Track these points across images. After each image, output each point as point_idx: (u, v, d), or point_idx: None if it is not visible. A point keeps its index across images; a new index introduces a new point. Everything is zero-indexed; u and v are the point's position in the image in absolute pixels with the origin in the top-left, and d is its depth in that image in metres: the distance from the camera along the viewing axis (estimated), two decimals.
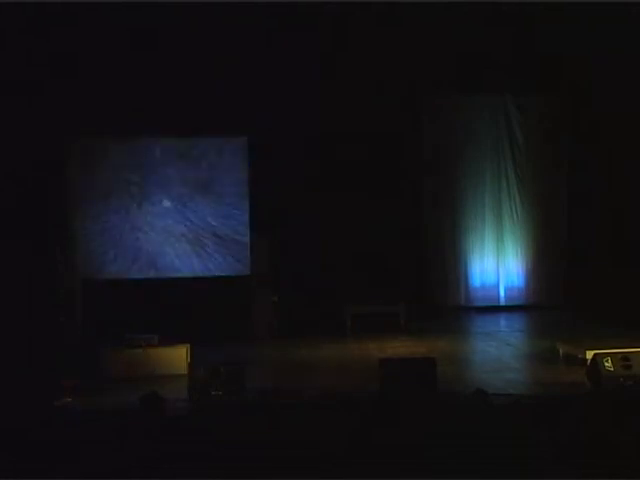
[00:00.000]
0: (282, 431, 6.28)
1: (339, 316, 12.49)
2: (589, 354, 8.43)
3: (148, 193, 12.77)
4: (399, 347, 11.13)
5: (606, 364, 7.86)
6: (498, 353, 10.82)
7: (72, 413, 7.73)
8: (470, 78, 12.88)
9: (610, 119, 12.62)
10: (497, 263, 13.76)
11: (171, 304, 11.99)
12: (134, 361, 9.17)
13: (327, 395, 8.08)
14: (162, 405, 6.72)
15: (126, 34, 11.70)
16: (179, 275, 12.74)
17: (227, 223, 12.84)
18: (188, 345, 9.51)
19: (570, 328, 11.54)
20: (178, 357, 9.30)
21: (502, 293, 13.71)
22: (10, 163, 12.00)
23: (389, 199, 13.09)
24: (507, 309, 12.92)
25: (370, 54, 12.34)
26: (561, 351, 9.66)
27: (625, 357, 7.95)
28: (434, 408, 7.08)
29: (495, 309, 12.98)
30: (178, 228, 12.82)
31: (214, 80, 12.32)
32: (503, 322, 12.54)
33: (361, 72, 12.49)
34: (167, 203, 12.81)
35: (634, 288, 11.60)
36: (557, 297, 13.46)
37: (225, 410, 7.47)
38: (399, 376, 7.59)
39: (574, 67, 12.69)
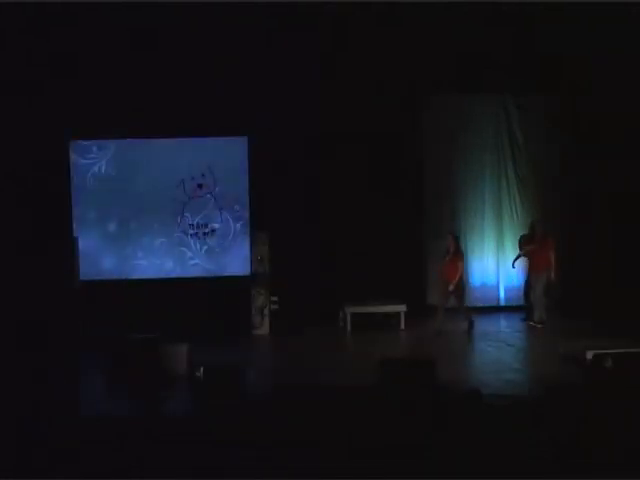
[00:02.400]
0: (282, 431, 6.28)
1: (339, 316, 12.50)
2: (589, 354, 8.44)
3: (147, 192, 12.78)
4: (399, 347, 11.13)
5: (606, 364, 7.86)
6: (498, 353, 10.82)
7: (73, 413, 7.73)
8: (470, 78, 12.87)
9: (610, 119, 12.61)
10: (497, 263, 13.75)
11: (171, 304, 11.99)
12: (135, 362, 9.16)
13: (327, 395, 8.07)
14: (165, 406, 6.72)
15: (126, 34, 11.70)
16: (179, 275, 12.74)
17: (227, 223, 12.85)
18: (188, 345, 9.50)
19: (570, 328, 11.54)
20: (178, 357, 9.29)
21: (502, 293, 13.70)
22: (11, 163, 12.02)
23: (389, 199, 13.08)
24: (507, 309, 12.92)
25: (370, 54, 12.34)
26: (561, 351, 9.66)
27: (625, 357, 7.96)
28: (433, 408, 7.08)
29: (495, 309, 12.98)
30: (179, 228, 12.82)
31: (214, 80, 12.33)
32: (503, 322, 12.53)
33: (361, 72, 12.48)
34: (167, 203, 12.81)
35: (633, 288, 11.60)
36: (557, 297, 13.44)
37: (225, 410, 7.47)
38: (399, 376, 7.59)
39: (574, 67, 12.68)
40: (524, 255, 12.32)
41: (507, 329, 12.02)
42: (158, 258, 12.77)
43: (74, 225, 12.59)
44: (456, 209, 13.78)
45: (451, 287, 11.71)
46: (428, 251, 13.61)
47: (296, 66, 12.38)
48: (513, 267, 12.64)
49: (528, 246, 12.12)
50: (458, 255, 11.91)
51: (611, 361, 7.87)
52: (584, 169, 13.32)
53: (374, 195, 12.96)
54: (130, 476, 5.38)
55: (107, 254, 12.71)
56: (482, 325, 12.10)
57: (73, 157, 12.65)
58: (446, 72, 12.77)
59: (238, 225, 12.86)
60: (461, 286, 11.88)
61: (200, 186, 12.84)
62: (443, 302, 11.93)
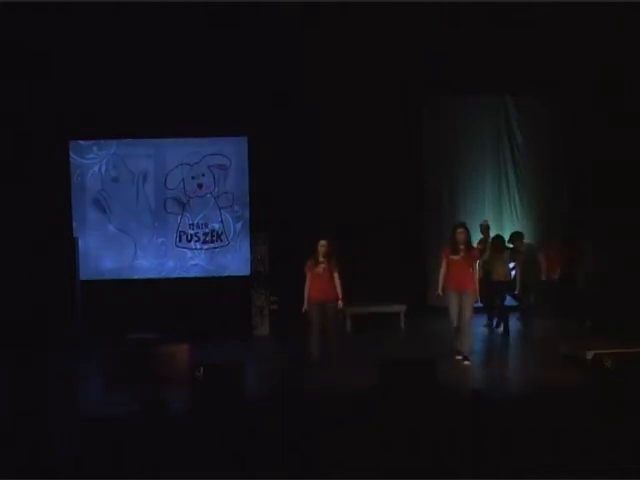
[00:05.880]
0: (281, 431, 6.28)
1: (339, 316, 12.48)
2: (589, 354, 8.44)
3: (147, 192, 12.79)
4: (399, 347, 11.13)
5: (606, 364, 7.86)
6: (498, 353, 10.83)
7: (73, 413, 7.73)
8: (470, 78, 12.87)
9: (610, 119, 12.61)
10: None
11: (171, 304, 11.99)
12: (135, 362, 9.16)
13: (327, 395, 8.08)
14: (165, 406, 6.72)
15: (127, 34, 11.68)
16: (179, 275, 12.74)
17: (227, 223, 12.85)
18: (188, 345, 9.50)
19: (570, 328, 11.54)
20: (178, 357, 9.29)
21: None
22: (11, 163, 12.02)
23: (389, 199, 13.09)
24: (507, 309, 12.86)
25: (370, 54, 12.33)
26: (561, 351, 9.66)
27: (625, 357, 7.96)
28: (434, 408, 7.08)
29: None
30: (179, 229, 12.82)
31: (215, 80, 12.32)
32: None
33: (361, 72, 12.48)
34: (167, 203, 12.82)
35: (633, 288, 11.58)
36: (557, 297, 13.43)
37: (225, 410, 7.47)
38: (399, 377, 7.59)
39: (574, 67, 12.67)
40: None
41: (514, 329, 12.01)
42: (158, 258, 12.78)
43: (74, 225, 12.60)
44: (456, 209, 13.78)
45: (340, 304, 9.77)
46: (428, 251, 13.64)
47: (296, 66, 12.38)
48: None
49: (454, 255, 9.65)
50: (334, 266, 9.78)
51: (611, 361, 7.87)
52: (584, 169, 13.33)
53: (373, 195, 12.96)
54: (130, 476, 5.37)
55: (107, 254, 12.71)
56: (482, 325, 12.09)
57: (74, 157, 12.66)
58: (446, 72, 12.77)
59: (238, 225, 12.87)
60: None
61: (200, 186, 12.84)
62: (335, 329, 9.92)
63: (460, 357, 9.55)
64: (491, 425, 6.05)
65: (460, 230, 9.64)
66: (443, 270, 9.70)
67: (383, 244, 12.93)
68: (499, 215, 13.81)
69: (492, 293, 11.67)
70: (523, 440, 5.82)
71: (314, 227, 12.59)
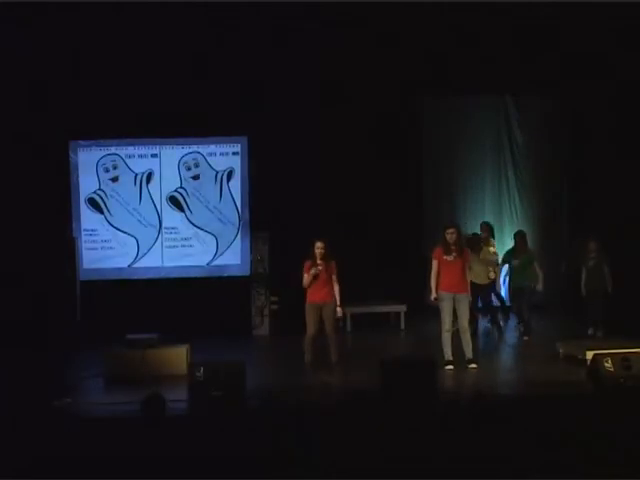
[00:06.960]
0: (281, 431, 6.28)
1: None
2: (589, 354, 8.44)
3: (147, 192, 12.79)
4: (399, 347, 11.13)
5: (606, 364, 7.86)
6: (498, 353, 10.83)
7: (72, 413, 7.73)
8: (470, 78, 12.86)
9: (610, 119, 12.61)
10: (497, 263, 13.73)
11: (171, 304, 11.99)
12: (134, 362, 9.16)
13: (327, 395, 8.08)
14: (164, 406, 6.72)
15: (127, 34, 11.67)
16: (179, 275, 12.74)
17: (227, 223, 12.84)
18: (188, 345, 9.51)
19: (570, 328, 11.54)
20: (178, 357, 9.30)
21: (502, 293, 13.67)
22: (11, 163, 12.01)
23: (389, 199, 13.08)
24: (507, 309, 12.89)
25: (370, 54, 12.33)
26: (561, 351, 9.66)
27: (625, 358, 7.96)
28: (434, 409, 7.08)
29: (495, 309, 12.95)
30: (179, 229, 12.82)
31: (215, 80, 12.32)
32: (503, 322, 12.49)
33: (361, 72, 12.47)
34: (167, 204, 12.82)
35: (632, 288, 11.59)
36: (557, 297, 13.44)
37: (225, 410, 7.47)
38: (399, 377, 7.59)
39: (574, 67, 12.67)
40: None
41: (507, 329, 12.01)
42: (158, 258, 12.77)
43: (73, 225, 12.60)
44: (456, 210, 13.78)
45: (339, 311, 9.63)
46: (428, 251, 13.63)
47: (296, 66, 12.37)
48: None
49: (447, 256, 9.35)
50: (332, 268, 9.58)
51: (611, 361, 7.87)
52: (584, 169, 13.33)
53: (374, 195, 12.96)
54: (130, 476, 5.37)
55: (107, 254, 12.70)
56: (482, 325, 12.09)
57: (73, 157, 12.66)
58: (446, 72, 12.77)
59: (238, 225, 12.86)
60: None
61: (199, 185, 12.84)
62: (335, 330, 9.65)
63: (451, 367, 9.20)
64: (491, 425, 6.05)
65: (451, 230, 9.40)
66: (434, 272, 9.44)
67: (383, 244, 12.92)
68: (499, 215, 13.81)
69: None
70: (523, 440, 5.82)
71: (314, 227, 12.62)
